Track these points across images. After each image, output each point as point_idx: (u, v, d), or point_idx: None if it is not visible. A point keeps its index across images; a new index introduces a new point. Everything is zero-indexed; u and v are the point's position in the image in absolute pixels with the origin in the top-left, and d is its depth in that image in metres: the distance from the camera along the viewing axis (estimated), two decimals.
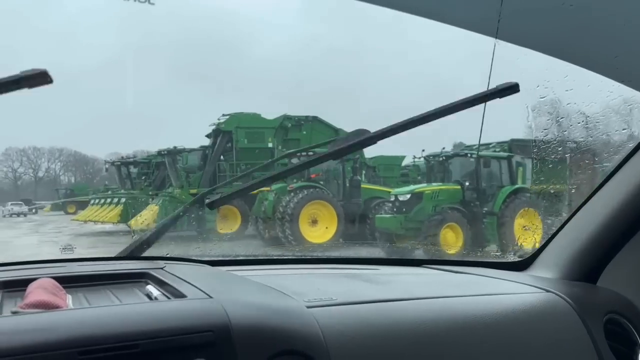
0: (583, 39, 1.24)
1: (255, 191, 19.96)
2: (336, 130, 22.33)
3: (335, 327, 1.14)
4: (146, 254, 1.75)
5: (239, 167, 20.93)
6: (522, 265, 1.80)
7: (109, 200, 24.97)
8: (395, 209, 13.25)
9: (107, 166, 27.12)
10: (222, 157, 21.45)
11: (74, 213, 35.12)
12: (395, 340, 1.18)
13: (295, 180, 16.96)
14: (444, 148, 16.32)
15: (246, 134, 20.86)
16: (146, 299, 1.21)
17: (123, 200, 22.90)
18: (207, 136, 22.79)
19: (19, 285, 1.25)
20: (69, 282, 1.29)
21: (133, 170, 26.00)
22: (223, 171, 20.62)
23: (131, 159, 25.62)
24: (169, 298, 1.17)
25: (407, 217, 12.66)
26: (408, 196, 13.02)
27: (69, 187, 46.89)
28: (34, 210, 39.60)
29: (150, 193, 23.71)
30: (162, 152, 20.90)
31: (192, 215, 19.77)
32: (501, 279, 1.64)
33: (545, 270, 1.70)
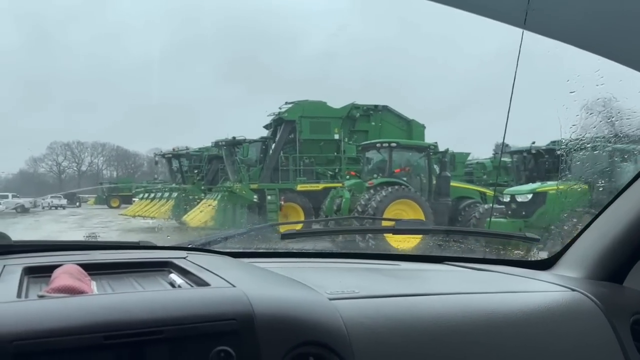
0: (618, 31, 1.20)
1: (321, 186, 17.58)
2: (408, 122, 19.80)
3: (357, 319, 1.12)
4: (169, 244, 1.76)
5: (302, 161, 18.60)
6: (546, 264, 1.75)
7: (159, 194, 23.31)
8: (510, 212, 10.79)
9: (157, 159, 25.31)
10: (282, 149, 19.12)
11: (118, 207, 36.25)
12: (417, 335, 1.15)
13: (375, 176, 14.55)
14: (534, 142, 13.79)
15: (311, 124, 18.64)
16: (169, 287, 1.20)
17: (174, 194, 21.33)
18: (266, 127, 20.59)
19: (44, 271, 1.24)
20: (93, 269, 1.28)
21: (184, 163, 24.11)
22: (285, 165, 18.37)
23: (183, 151, 23.73)
24: (192, 286, 1.15)
25: (528, 222, 10.22)
26: (529, 197, 10.56)
27: (113, 181, 47.21)
28: (77, 204, 39.98)
29: (202, 187, 21.87)
30: (221, 143, 18.84)
31: (254, 214, 17.30)
32: (525, 277, 1.60)
33: (570, 270, 1.65)
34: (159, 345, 0.94)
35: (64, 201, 36.71)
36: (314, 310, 1.10)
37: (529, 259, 1.89)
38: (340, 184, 15.73)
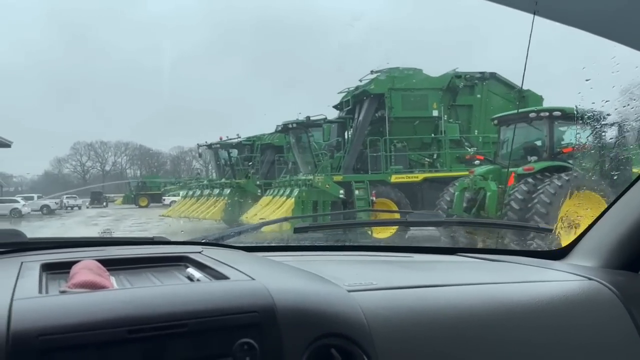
0: (631, 16, 1.16)
1: (421, 177, 13.37)
2: (521, 93, 15.38)
3: (376, 310, 1.10)
4: (182, 238, 1.74)
5: (393, 146, 14.17)
6: (560, 253, 1.71)
7: (204, 192, 19.03)
8: None
9: (200, 150, 21.11)
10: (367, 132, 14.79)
11: (147, 206, 35.81)
12: (437, 325, 1.13)
13: (531, 159, 10.14)
14: None
15: (403, 99, 14.28)
16: (187, 281, 1.18)
17: (227, 191, 17.21)
18: (337, 107, 16.23)
19: (61, 268, 1.23)
20: (110, 265, 1.26)
21: (234, 154, 19.88)
22: (375, 149, 14.01)
23: (234, 140, 19.53)
24: (211, 280, 1.13)
25: None
26: None
27: (140, 179, 45.19)
28: (104, 204, 38.67)
29: (257, 183, 17.61)
30: (290, 125, 14.52)
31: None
32: (540, 267, 1.57)
33: (585, 259, 1.61)
34: (182, 339, 0.91)
35: (79, 201, 35.34)
36: (333, 302, 1.08)
37: (543, 249, 1.82)
38: (466, 172, 11.38)
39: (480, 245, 2.06)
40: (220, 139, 20.64)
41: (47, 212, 29.09)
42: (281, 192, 14.15)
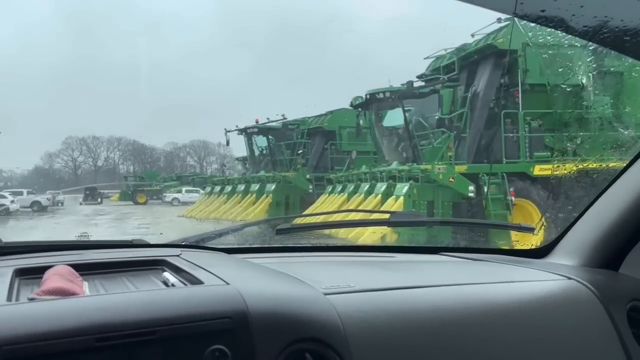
0: (611, 18, 1.14)
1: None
2: None
3: (353, 314, 1.07)
4: (162, 241, 1.72)
5: (527, 125, 9.85)
6: (541, 252, 1.69)
7: (241, 187, 14.59)
8: None
9: (228, 138, 16.59)
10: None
11: (145, 203, 32.78)
12: (414, 327, 1.10)
13: None
14: None
15: (543, 58, 9.92)
16: (163, 286, 1.16)
17: (271, 187, 12.91)
18: (422, 76, 12.02)
19: (36, 273, 1.19)
20: (85, 269, 1.24)
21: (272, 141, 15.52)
22: (510, 129, 9.68)
23: (276, 122, 15.17)
24: (185, 285, 1.11)
25: None
26: None
27: (138, 174, 43.01)
28: (99, 200, 35.80)
29: (308, 176, 13.36)
30: (380, 94, 10.23)
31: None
32: (520, 266, 1.55)
33: (565, 257, 1.59)
34: (152, 346, 0.88)
35: (62, 197, 32.90)
36: (308, 306, 1.05)
37: (524, 248, 1.81)
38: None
39: (464, 244, 1.93)
40: (257, 121, 16.19)
41: (38, 209, 26.81)
42: (354, 188, 9.96)
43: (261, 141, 17.32)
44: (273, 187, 14.19)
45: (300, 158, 14.95)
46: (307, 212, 11.71)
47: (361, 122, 12.75)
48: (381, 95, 11.11)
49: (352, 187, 11.20)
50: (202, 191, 29.50)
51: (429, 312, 1.13)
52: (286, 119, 16.31)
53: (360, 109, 12.43)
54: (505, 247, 1.91)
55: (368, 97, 11.93)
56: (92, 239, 2.15)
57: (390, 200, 9.67)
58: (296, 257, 1.71)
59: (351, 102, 12.86)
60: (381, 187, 10.57)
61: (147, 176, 38.17)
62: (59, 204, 30.41)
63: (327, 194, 12.67)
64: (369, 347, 1.03)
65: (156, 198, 33.57)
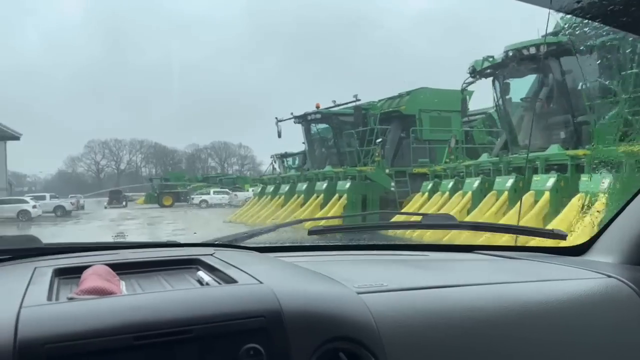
0: None
1: None
2: None
3: (386, 313, 1.05)
4: (192, 240, 1.73)
5: None
6: (579, 250, 1.62)
7: (302, 187, 11.50)
8: None
9: (280, 129, 13.58)
10: None
11: (171, 205, 31.45)
12: (448, 327, 1.08)
13: None
14: None
15: None
16: (197, 285, 1.16)
17: (347, 185, 10.22)
18: (530, 57, 8.96)
19: (74, 273, 1.21)
20: (121, 269, 1.25)
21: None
22: None
23: (338, 107, 12.44)
24: (219, 284, 1.11)
25: None
26: None
27: (164, 176, 41.79)
28: (124, 203, 35.20)
29: (387, 171, 10.34)
30: (525, 50, 7.07)
31: None
32: (557, 264, 1.49)
33: (604, 255, 1.52)
34: (188, 344, 0.90)
35: (82, 201, 32.72)
36: (342, 305, 1.04)
37: (561, 246, 1.71)
38: None
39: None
40: (318, 106, 13.30)
41: (62, 213, 25.90)
42: (469, 184, 7.18)
43: (325, 131, 14.44)
44: (347, 184, 11.40)
45: (379, 148, 12.12)
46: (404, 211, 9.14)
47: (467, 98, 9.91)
48: (530, 52, 8.04)
49: (474, 182, 8.31)
50: (231, 192, 28.01)
51: (464, 312, 1.10)
52: (357, 99, 13.40)
53: (485, 76, 9.49)
54: (541, 245, 1.81)
55: (509, 54, 8.69)
56: (129, 239, 2.08)
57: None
58: (328, 255, 1.69)
59: (472, 68, 9.92)
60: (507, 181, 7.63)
61: (172, 178, 37.31)
62: (82, 208, 30.00)
63: (423, 193, 9.74)
64: (403, 346, 1.02)
65: (183, 200, 32.45)
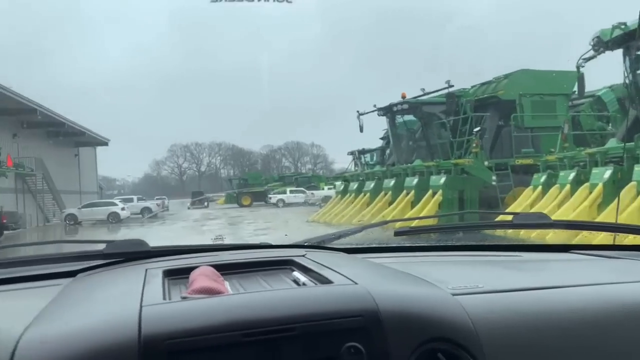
0: None
1: None
2: None
3: (484, 315, 1.03)
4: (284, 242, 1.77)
5: None
6: None
7: (390, 183, 10.20)
8: None
9: (362, 123, 12.63)
10: None
11: (249, 205, 31.80)
12: (550, 330, 1.04)
13: None
14: None
15: None
16: (294, 285, 1.19)
17: (442, 180, 8.82)
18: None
19: (181, 273, 1.28)
20: (223, 270, 1.30)
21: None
22: None
23: (437, 93, 11.39)
24: (316, 284, 1.14)
25: None
26: None
27: (242, 176, 42.13)
28: (206, 204, 35.25)
29: (487, 163, 8.58)
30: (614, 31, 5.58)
31: None
32: None
33: None
34: (292, 342, 0.92)
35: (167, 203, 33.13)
36: (438, 306, 1.02)
37: None
38: None
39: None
40: (404, 96, 12.16)
41: (148, 215, 26.77)
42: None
43: (411, 123, 13.31)
44: (442, 179, 10.24)
45: (477, 138, 10.82)
46: (511, 208, 8.03)
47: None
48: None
49: (604, 172, 6.95)
50: (307, 191, 27.88)
51: (565, 314, 1.07)
52: (449, 85, 12.14)
53: (614, 47, 8.07)
54: None
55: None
56: (226, 242, 2.18)
57: None
58: (416, 256, 1.67)
59: (596, 39, 8.51)
60: None
61: (250, 178, 37.41)
62: (167, 209, 31.04)
63: (535, 187, 8.40)
64: (502, 348, 0.99)
65: (260, 199, 32.71)
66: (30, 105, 21.23)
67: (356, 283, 1.04)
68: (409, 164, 12.09)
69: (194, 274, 1.17)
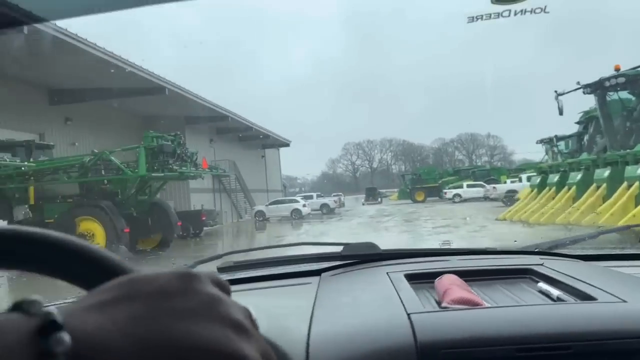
0: None
1: None
2: None
3: None
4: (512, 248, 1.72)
5: None
6: None
7: (603, 173, 7.30)
8: None
9: (561, 105, 10.62)
10: None
11: (423, 200, 31.65)
12: None
13: None
14: None
15: None
16: (542, 297, 1.14)
17: None
18: None
19: (421, 278, 1.30)
20: (463, 276, 1.28)
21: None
22: None
23: None
24: (575, 300, 1.07)
25: None
26: None
27: (415, 172, 40.99)
28: (379, 200, 36.09)
29: None
30: None
31: None
32: None
33: None
34: None
35: (342, 199, 33.46)
36: None
37: None
38: None
39: None
40: (617, 68, 9.98)
41: (327, 211, 27.97)
42: None
43: (627, 100, 11.05)
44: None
45: None
46: None
47: None
48: None
49: None
50: (485, 185, 25.74)
51: None
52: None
53: None
54: None
55: None
56: (452, 246, 2.14)
57: None
58: None
59: None
60: None
61: (423, 173, 37.27)
62: (343, 205, 32.02)
63: None
64: None
65: (434, 194, 32.31)
66: (224, 113, 23.43)
67: (625, 301, 0.98)
68: (628, 150, 9.93)
69: (442, 282, 1.17)
